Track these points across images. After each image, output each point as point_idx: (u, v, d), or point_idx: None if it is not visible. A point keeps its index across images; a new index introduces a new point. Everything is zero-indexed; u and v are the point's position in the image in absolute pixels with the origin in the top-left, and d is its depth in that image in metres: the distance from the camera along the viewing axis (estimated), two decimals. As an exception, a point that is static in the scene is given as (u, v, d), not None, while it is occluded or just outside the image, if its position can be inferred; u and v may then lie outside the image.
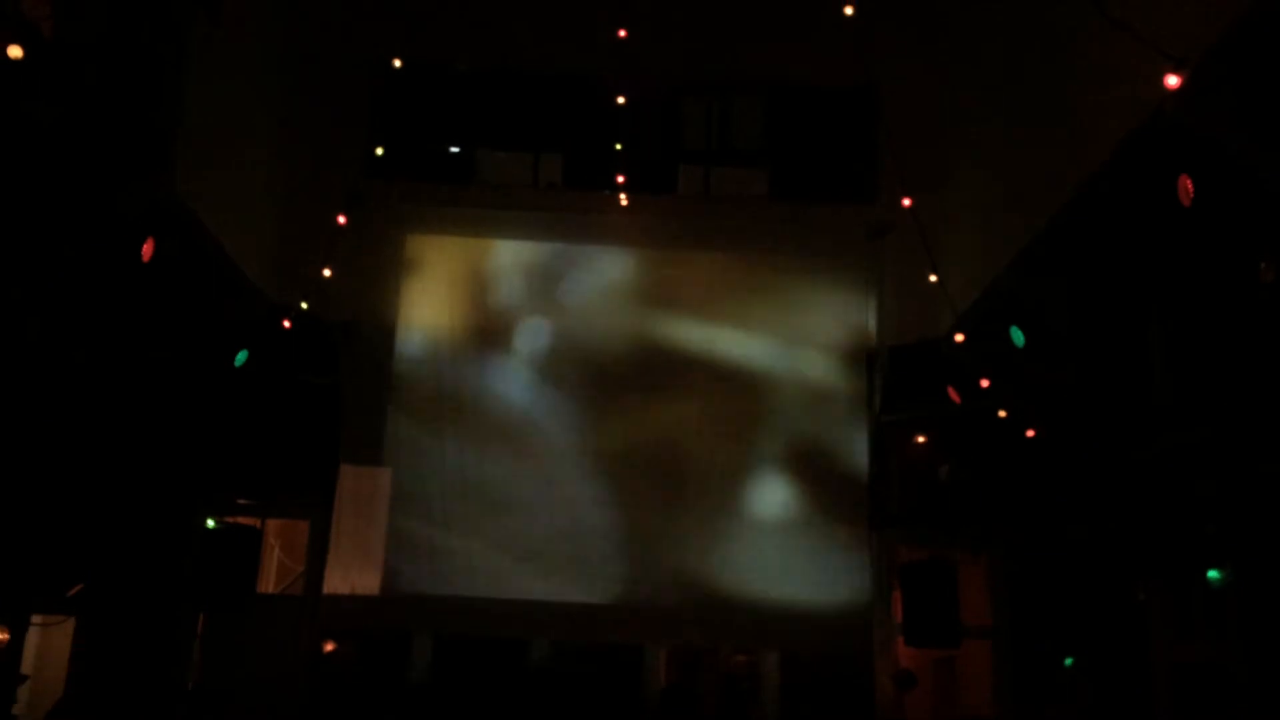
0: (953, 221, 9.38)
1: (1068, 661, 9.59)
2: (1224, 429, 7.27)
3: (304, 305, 9.22)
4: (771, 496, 10.82)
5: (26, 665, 9.27)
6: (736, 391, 11.02)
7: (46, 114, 6.48)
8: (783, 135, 11.67)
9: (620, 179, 10.19)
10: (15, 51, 5.63)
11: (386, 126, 10.73)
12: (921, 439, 10.66)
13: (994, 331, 8.78)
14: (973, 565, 10.59)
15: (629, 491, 10.77)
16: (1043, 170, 8.18)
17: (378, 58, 9.22)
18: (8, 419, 7.27)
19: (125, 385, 8.30)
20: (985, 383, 8.99)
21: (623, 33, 8.29)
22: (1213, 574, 7.91)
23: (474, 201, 11.33)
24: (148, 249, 7.41)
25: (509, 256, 11.08)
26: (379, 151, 9.86)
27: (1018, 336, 8.64)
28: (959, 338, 8.99)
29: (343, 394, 10.72)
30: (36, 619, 8.92)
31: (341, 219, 8.92)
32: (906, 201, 8.62)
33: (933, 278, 8.86)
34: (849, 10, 7.59)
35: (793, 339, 11.04)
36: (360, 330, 10.85)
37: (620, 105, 9.46)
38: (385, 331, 10.96)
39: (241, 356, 8.90)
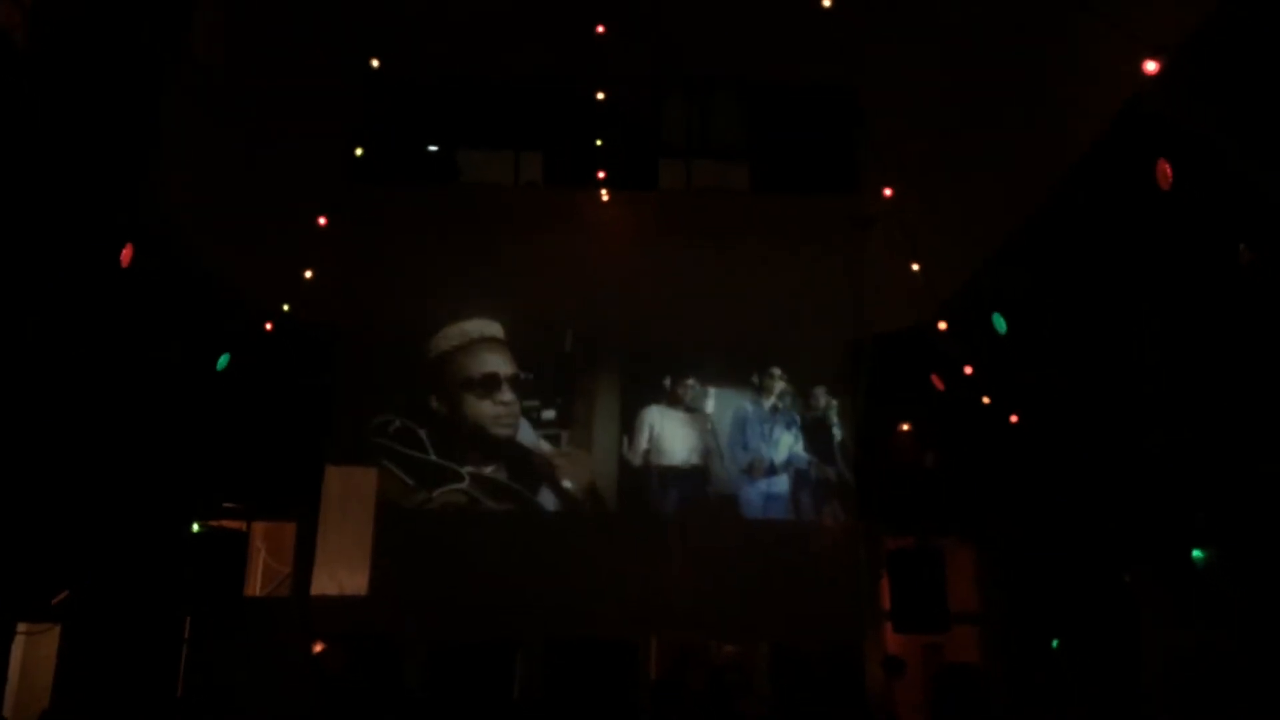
0: (934, 212, 9.39)
1: (1054, 643, 9.66)
2: (1210, 414, 7.33)
3: (285, 308, 9.16)
4: (757, 488, 10.83)
5: (12, 673, 9.23)
6: (720, 383, 11.02)
7: (19, 121, 6.41)
8: (763, 129, 11.68)
9: (601, 175, 10.17)
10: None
11: (366, 128, 10.67)
12: (906, 427, 10.71)
13: (977, 319, 8.82)
14: (960, 551, 10.66)
15: (617, 487, 10.77)
16: (1024, 159, 8.22)
17: (356, 60, 9.14)
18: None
19: (109, 392, 8.24)
20: (969, 370, 9.04)
21: (600, 28, 8.27)
22: (1197, 554, 7.98)
23: (455, 201, 11.29)
24: (126, 254, 7.36)
25: (491, 255, 11.02)
26: (359, 153, 9.80)
27: (1000, 324, 8.68)
28: (942, 326, 9.03)
29: (327, 396, 10.67)
30: (22, 627, 8.86)
31: (322, 221, 8.88)
32: (887, 192, 8.65)
33: (915, 267, 8.89)
34: (827, 1, 7.59)
35: (776, 331, 11.05)
36: (343, 332, 10.80)
37: (600, 102, 9.44)
38: (369, 332, 10.89)
39: (223, 360, 8.84)
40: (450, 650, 10.49)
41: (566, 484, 10.80)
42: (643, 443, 10.89)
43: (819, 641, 10.66)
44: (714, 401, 11.02)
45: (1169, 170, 6.58)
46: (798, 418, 11.03)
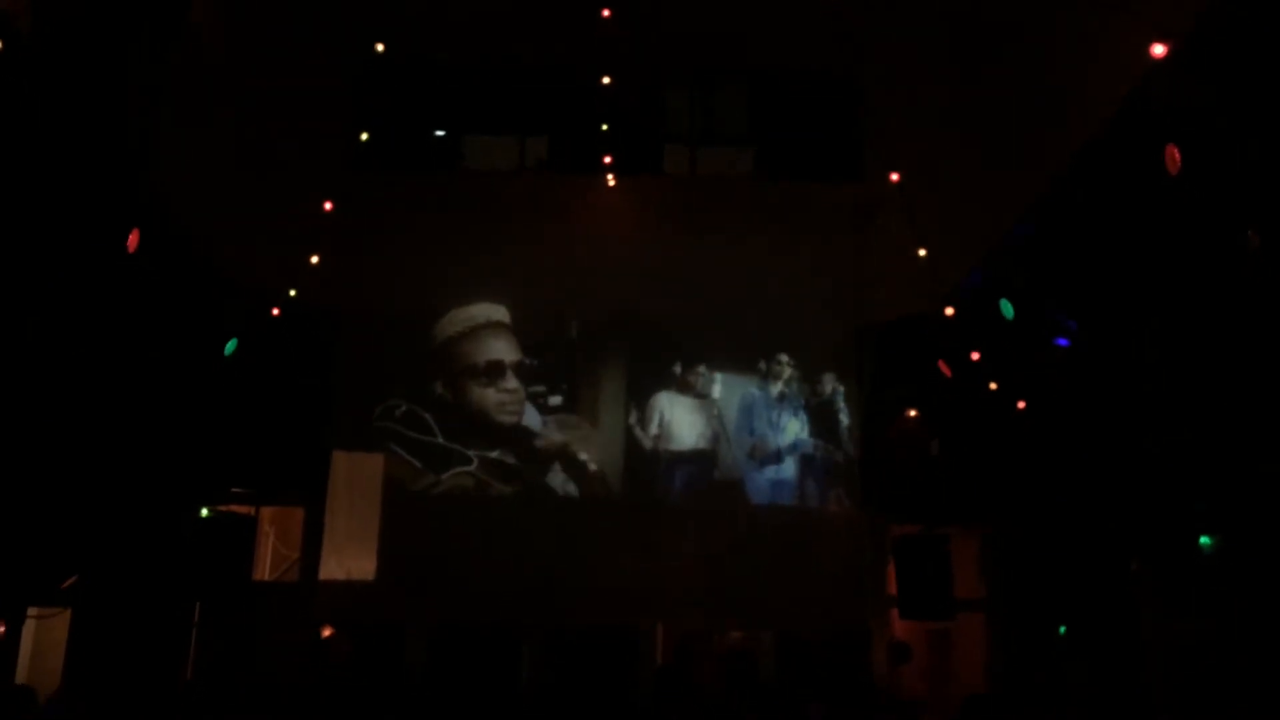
0: (940, 198, 9.36)
1: (1061, 630, 9.67)
2: (1216, 403, 7.31)
3: (292, 293, 9.19)
4: (764, 474, 10.83)
5: (23, 657, 9.31)
6: (726, 369, 11.01)
7: (23, 107, 6.42)
8: (768, 116, 11.63)
9: (606, 160, 10.15)
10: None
11: (370, 113, 10.66)
12: (912, 414, 10.70)
13: (984, 305, 8.80)
14: (965, 539, 10.65)
15: (623, 472, 10.78)
16: (1030, 145, 8.18)
17: (360, 44, 9.13)
18: (2, 415, 7.26)
19: (117, 378, 8.29)
20: (976, 356, 9.02)
21: (605, 14, 8.25)
22: (1204, 540, 7.98)
23: (460, 186, 11.27)
24: (133, 240, 7.38)
25: (496, 240, 11.02)
26: (364, 137, 9.80)
27: (1007, 310, 8.66)
28: (949, 312, 9.01)
29: (334, 381, 10.70)
30: (32, 611, 8.94)
31: (327, 206, 8.89)
32: (894, 177, 8.61)
33: (921, 252, 8.87)
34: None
35: (782, 317, 11.02)
36: (349, 317, 10.82)
37: (604, 87, 9.40)
38: (374, 318, 10.91)
39: (231, 345, 8.88)
40: (457, 636, 10.53)
41: (573, 469, 10.79)
42: (650, 428, 10.88)
43: (824, 628, 10.65)
44: (720, 387, 11.00)
45: (1177, 155, 6.55)
46: (804, 404, 11.01)
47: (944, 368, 9.54)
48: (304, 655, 10.29)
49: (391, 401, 10.81)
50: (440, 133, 11.48)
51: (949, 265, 9.32)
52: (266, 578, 11.21)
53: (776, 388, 11.04)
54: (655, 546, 10.53)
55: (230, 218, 8.92)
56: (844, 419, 10.97)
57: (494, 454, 10.75)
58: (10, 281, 7.04)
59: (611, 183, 10.49)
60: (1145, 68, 6.27)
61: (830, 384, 11.04)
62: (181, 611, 10.26)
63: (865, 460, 10.85)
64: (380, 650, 10.50)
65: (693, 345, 11.03)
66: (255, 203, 8.92)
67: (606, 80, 9.33)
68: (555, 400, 10.91)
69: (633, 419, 10.88)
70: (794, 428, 10.94)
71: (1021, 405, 9.16)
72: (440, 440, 10.78)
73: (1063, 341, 8.63)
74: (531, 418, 10.86)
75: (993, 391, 9.25)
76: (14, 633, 8.80)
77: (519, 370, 10.92)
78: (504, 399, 10.86)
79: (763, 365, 11.07)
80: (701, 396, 10.98)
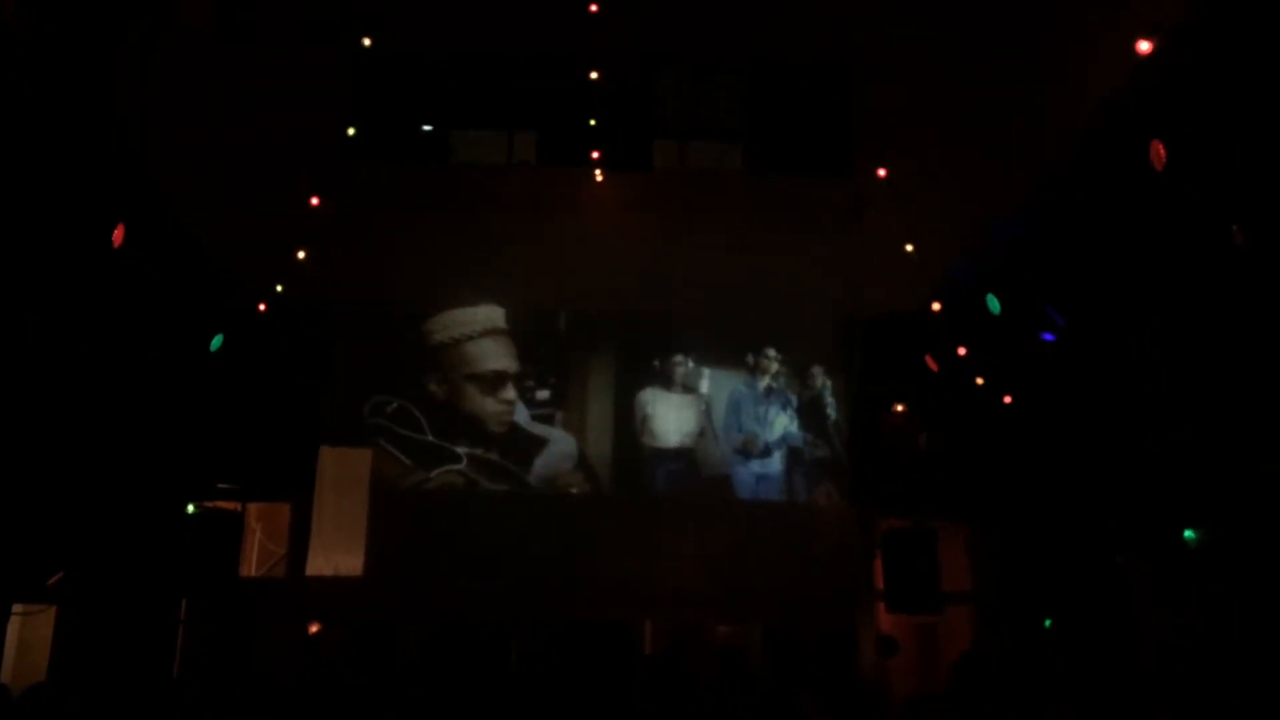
0: (930, 192, 9.39)
1: (1046, 623, 9.70)
2: (1205, 397, 7.35)
3: (279, 289, 9.16)
4: (751, 469, 10.84)
5: (8, 654, 9.25)
6: (714, 363, 11.02)
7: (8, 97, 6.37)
8: (758, 109, 11.63)
9: (595, 155, 10.13)
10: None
11: (359, 108, 10.63)
12: (900, 408, 10.73)
13: (971, 300, 8.84)
14: (953, 533, 10.69)
15: (611, 468, 10.78)
16: (1019, 141, 8.22)
17: (349, 39, 9.11)
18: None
19: (102, 374, 8.24)
20: (963, 351, 9.05)
21: (594, 7, 8.23)
22: (1189, 534, 8.00)
23: (448, 181, 11.25)
24: (118, 234, 7.34)
25: (485, 235, 11.00)
26: (350, 132, 9.77)
27: (994, 305, 8.70)
28: (936, 307, 9.05)
29: (321, 377, 10.67)
30: (18, 608, 8.88)
31: (315, 201, 8.86)
32: (881, 172, 8.63)
33: (909, 248, 8.89)
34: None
35: (771, 311, 11.03)
36: (337, 312, 10.79)
37: (594, 81, 9.39)
38: (362, 313, 10.88)
39: (217, 341, 8.85)
40: (446, 631, 10.53)
41: (562, 465, 10.79)
42: (637, 423, 10.89)
43: (812, 622, 10.68)
44: (708, 382, 11.02)
45: (1163, 151, 6.59)
46: (792, 398, 11.03)
47: (931, 363, 9.57)
48: (293, 651, 10.28)
49: (381, 398, 10.79)
50: (429, 127, 11.45)
51: (937, 260, 9.35)
52: (253, 574, 11.16)
53: (764, 382, 11.06)
54: (644, 542, 10.54)
55: (218, 212, 8.89)
56: (832, 413, 11.00)
57: (483, 452, 10.75)
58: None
59: (600, 178, 10.48)
60: (1132, 64, 6.30)
61: (818, 378, 11.06)
62: (168, 608, 10.22)
63: (853, 455, 10.89)
64: (370, 646, 10.49)
65: (681, 340, 11.05)
66: (243, 198, 8.89)
67: (595, 75, 9.31)
68: (543, 395, 10.92)
69: (620, 414, 10.88)
70: (782, 422, 10.96)
71: (1008, 400, 9.19)
72: (430, 438, 10.77)
73: (1048, 336, 8.65)
74: (520, 413, 10.86)
75: (980, 386, 9.28)
76: (-1, 629, 8.75)
77: (518, 380, 10.91)
78: (501, 409, 10.86)
79: (751, 359, 11.09)
80: (689, 391, 11.00)
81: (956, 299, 9.13)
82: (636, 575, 10.38)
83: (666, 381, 10.96)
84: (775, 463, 10.86)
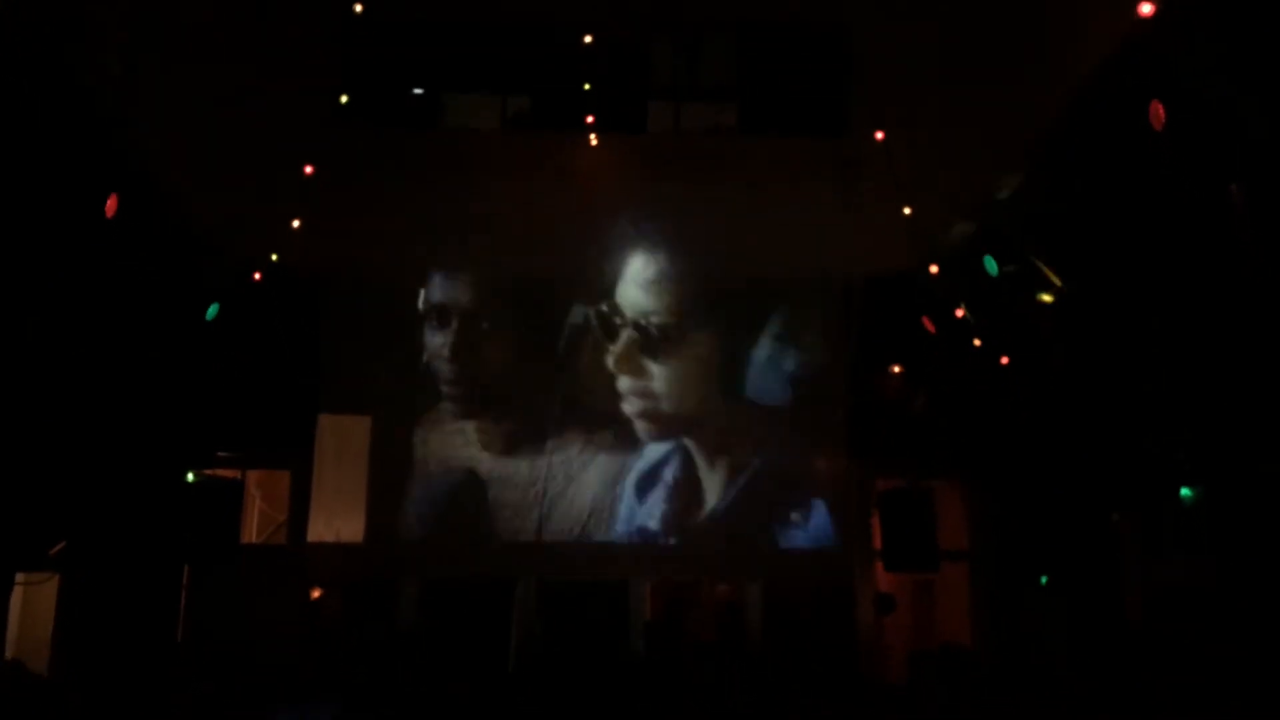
0: (926, 154, 9.32)
1: (1043, 579, 9.80)
2: (1195, 358, 7.37)
3: (274, 258, 9.12)
4: (751, 430, 10.87)
5: (12, 623, 9.30)
6: (711, 325, 11.01)
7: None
8: (752, 70, 11.49)
9: (590, 119, 10.04)
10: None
11: (351, 73, 10.51)
12: (897, 369, 10.76)
13: (969, 262, 8.84)
14: (949, 491, 10.77)
15: (607, 426, 10.81)
16: (1017, 100, 8.15)
17: (340, 2, 8.97)
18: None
19: (101, 346, 8.22)
20: (960, 313, 9.06)
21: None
22: (1185, 492, 8.07)
23: (442, 145, 11.15)
24: (111, 205, 7.29)
25: (479, 199, 10.93)
26: (343, 100, 9.67)
27: (991, 266, 8.69)
28: (934, 269, 9.03)
29: (319, 344, 10.66)
30: (21, 577, 8.92)
31: (309, 170, 8.79)
32: (879, 135, 8.57)
33: (906, 211, 8.86)
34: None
35: (768, 273, 11.02)
36: (332, 279, 10.75)
37: (587, 44, 9.27)
38: (357, 279, 10.85)
39: (213, 310, 8.83)
40: (446, 595, 10.60)
41: (560, 426, 10.81)
42: (636, 383, 10.89)
43: (810, 581, 10.77)
44: (706, 343, 11.01)
45: (1162, 111, 6.56)
46: (790, 359, 11.03)
47: (928, 324, 9.58)
48: (295, 616, 10.36)
49: (378, 363, 10.79)
50: (420, 91, 11.32)
51: (935, 221, 9.32)
52: (254, 540, 11.22)
53: (761, 343, 11.06)
54: (643, 502, 10.60)
55: (211, 182, 8.81)
56: (829, 375, 11.01)
57: (484, 415, 10.77)
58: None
59: (594, 142, 10.40)
60: (1132, 25, 6.26)
61: (816, 340, 11.07)
62: (171, 575, 10.28)
63: (851, 415, 10.93)
64: (372, 609, 10.58)
65: (678, 302, 11.02)
66: (236, 167, 8.81)
67: (589, 39, 9.19)
68: (542, 359, 10.91)
69: (618, 375, 10.88)
70: (780, 383, 10.98)
71: (1005, 361, 9.22)
72: (432, 400, 10.78)
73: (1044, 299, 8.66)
74: (523, 375, 10.86)
75: (977, 347, 9.30)
76: (2, 599, 8.79)
77: (519, 345, 10.90)
78: (499, 370, 10.86)
79: (749, 321, 11.08)
80: (687, 353, 10.99)
81: (954, 260, 9.12)
82: (634, 536, 10.47)
83: (665, 343, 10.95)
84: (774, 423, 10.89)
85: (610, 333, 10.96)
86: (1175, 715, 7.31)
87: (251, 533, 11.29)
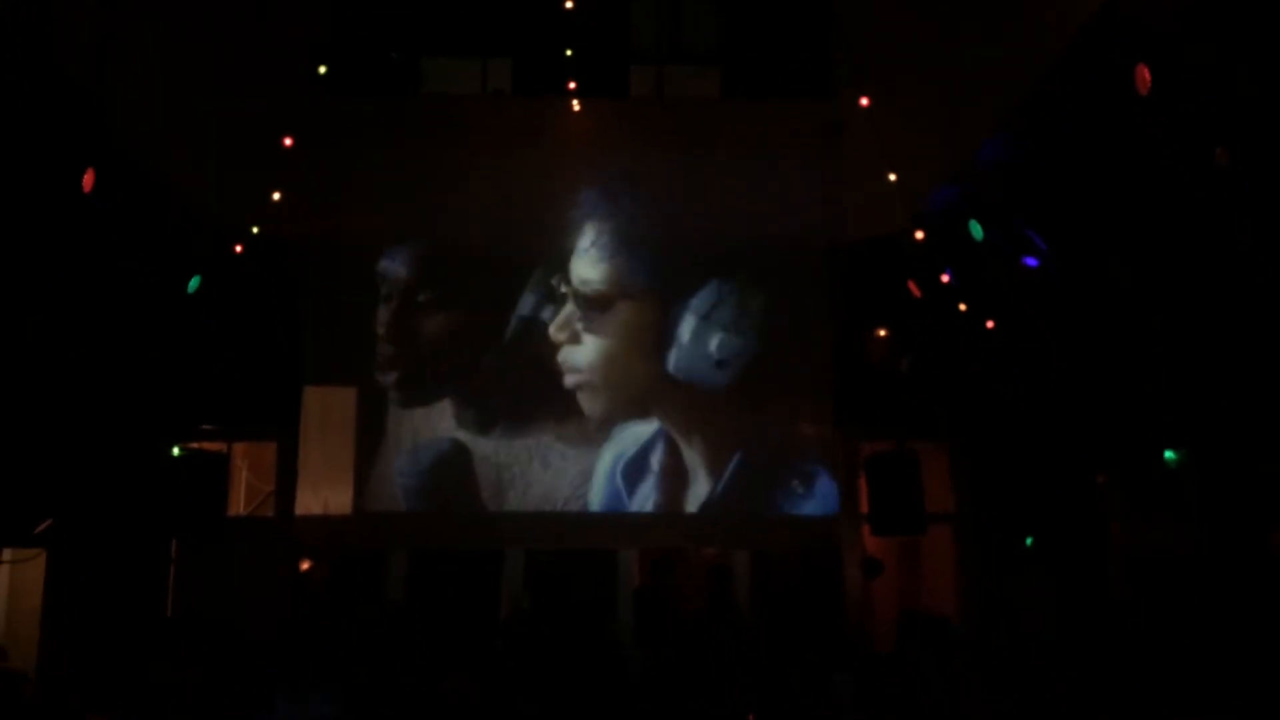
0: (911, 117, 9.29)
1: (1028, 541, 9.89)
2: (1182, 320, 7.40)
3: (255, 230, 9.04)
4: (737, 394, 10.88)
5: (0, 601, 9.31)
6: (695, 290, 10.98)
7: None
8: (735, 31, 11.40)
9: (572, 85, 9.95)
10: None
11: (327, 40, 10.37)
12: (882, 333, 10.76)
13: (954, 226, 8.82)
14: (936, 455, 10.81)
15: (595, 397, 10.80)
16: (1001, 63, 8.11)
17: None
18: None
19: (81, 320, 8.16)
20: (946, 279, 9.06)
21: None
22: (1169, 455, 8.14)
23: (422, 111, 11.05)
24: (88, 179, 7.20)
25: (462, 165, 10.85)
26: (322, 70, 9.55)
27: (977, 231, 8.68)
28: (919, 235, 9.02)
29: (301, 315, 10.60)
30: (7, 555, 8.90)
31: (288, 141, 8.69)
32: (864, 101, 8.52)
33: (892, 177, 8.82)
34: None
35: (752, 237, 10.96)
36: (314, 250, 10.67)
37: (568, 9, 9.15)
38: (339, 250, 10.77)
39: (194, 283, 8.77)
40: (435, 565, 10.64)
41: (547, 396, 10.78)
42: (623, 346, 10.85)
43: (798, 546, 10.84)
44: (690, 309, 10.98)
45: (1148, 75, 6.53)
46: (774, 324, 11.01)
47: (913, 288, 9.58)
48: (284, 587, 10.38)
49: (362, 334, 10.74)
50: (399, 56, 11.19)
51: (919, 184, 9.29)
52: (241, 512, 11.21)
53: (748, 308, 11.03)
54: (630, 473, 10.62)
55: (189, 153, 8.72)
56: (815, 339, 11.01)
57: (469, 385, 10.73)
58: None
59: (577, 107, 10.32)
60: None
61: (801, 304, 11.04)
62: (158, 549, 10.27)
63: (836, 379, 10.94)
64: (361, 581, 10.61)
65: (659, 268, 10.98)
66: (214, 137, 8.71)
67: (570, 4, 9.08)
68: (529, 327, 10.87)
69: (601, 345, 10.85)
70: (765, 348, 10.97)
71: (990, 325, 9.23)
72: (416, 372, 10.75)
73: (1031, 261, 8.67)
74: (508, 343, 10.82)
75: (962, 311, 9.32)
76: (-10, 576, 8.80)
77: (512, 315, 10.84)
78: (483, 336, 10.81)
79: (733, 286, 11.04)
80: (672, 319, 10.96)
81: (939, 224, 9.10)
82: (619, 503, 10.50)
83: (650, 308, 10.91)
84: (760, 388, 10.88)
85: (595, 298, 10.88)
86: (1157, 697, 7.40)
87: (239, 504, 11.28)
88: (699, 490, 10.66)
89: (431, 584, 10.59)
